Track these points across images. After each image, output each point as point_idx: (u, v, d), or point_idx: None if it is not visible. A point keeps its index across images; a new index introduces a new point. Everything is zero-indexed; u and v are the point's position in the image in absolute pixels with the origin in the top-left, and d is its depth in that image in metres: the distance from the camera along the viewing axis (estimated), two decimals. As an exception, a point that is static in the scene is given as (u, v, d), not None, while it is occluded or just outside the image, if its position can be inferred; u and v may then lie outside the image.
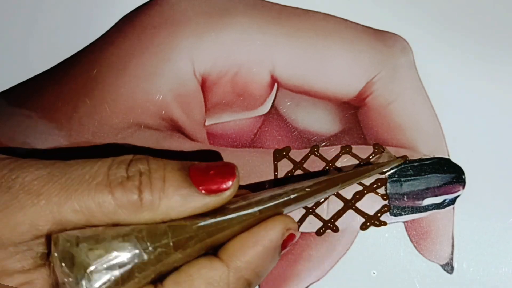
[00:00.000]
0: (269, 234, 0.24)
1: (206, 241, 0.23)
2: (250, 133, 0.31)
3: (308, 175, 0.30)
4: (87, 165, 0.24)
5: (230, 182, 0.24)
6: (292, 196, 0.25)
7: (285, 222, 0.25)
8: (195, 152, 0.30)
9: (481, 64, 0.31)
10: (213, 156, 0.30)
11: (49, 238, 0.23)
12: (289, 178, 0.30)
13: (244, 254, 0.24)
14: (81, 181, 0.23)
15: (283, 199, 0.25)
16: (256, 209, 0.24)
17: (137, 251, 0.22)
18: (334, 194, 0.30)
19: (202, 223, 0.23)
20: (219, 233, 0.24)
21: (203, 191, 0.23)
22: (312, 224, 0.30)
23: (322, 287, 0.30)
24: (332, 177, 0.27)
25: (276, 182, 0.30)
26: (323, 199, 0.30)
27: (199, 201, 0.23)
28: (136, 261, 0.22)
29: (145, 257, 0.22)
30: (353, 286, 0.30)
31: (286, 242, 0.25)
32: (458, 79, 0.31)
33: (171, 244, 0.23)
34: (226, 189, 0.24)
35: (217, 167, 0.24)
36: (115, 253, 0.22)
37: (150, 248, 0.22)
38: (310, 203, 0.26)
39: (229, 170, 0.24)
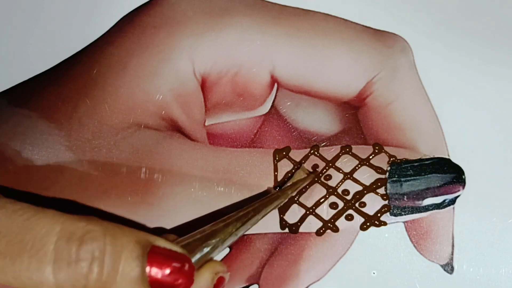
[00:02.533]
0: (199, 282, 0.24)
1: None
2: (250, 133, 0.31)
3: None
4: (32, 227, 0.21)
5: (184, 285, 0.23)
6: (219, 239, 0.25)
7: (214, 267, 0.25)
8: (195, 152, 0.30)
9: (481, 64, 0.31)
10: (212, 157, 0.30)
11: None
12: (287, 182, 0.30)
13: None
14: (22, 249, 0.21)
15: (211, 246, 0.25)
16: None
17: None
18: (334, 195, 0.30)
19: None
20: None
21: (155, 287, 0.22)
22: (312, 224, 0.30)
23: (322, 287, 0.30)
24: (253, 207, 0.26)
25: (276, 183, 0.30)
26: (322, 199, 0.30)
27: None
28: None
29: None
30: (353, 286, 0.30)
31: (217, 286, 0.25)
32: (458, 79, 0.31)
33: None
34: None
35: (177, 261, 0.23)
36: None
37: None
38: (235, 239, 0.26)
39: (188, 275, 0.23)
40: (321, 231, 0.30)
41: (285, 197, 0.28)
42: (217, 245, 0.25)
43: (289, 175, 0.30)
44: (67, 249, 0.21)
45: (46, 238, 0.21)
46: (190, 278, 0.23)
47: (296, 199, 0.30)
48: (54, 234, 0.21)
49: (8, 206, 0.22)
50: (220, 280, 0.25)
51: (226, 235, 0.25)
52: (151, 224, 0.29)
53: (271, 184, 0.30)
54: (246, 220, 0.26)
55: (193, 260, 0.24)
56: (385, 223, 0.30)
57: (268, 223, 0.30)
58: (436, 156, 0.30)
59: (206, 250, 0.25)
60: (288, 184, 0.29)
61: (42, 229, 0.21)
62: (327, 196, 0.30)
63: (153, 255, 0.23)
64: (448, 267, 0.30)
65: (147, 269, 0.22)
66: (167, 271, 0.22)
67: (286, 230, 0.30)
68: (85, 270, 0.21)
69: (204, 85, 0.31)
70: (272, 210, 0.27)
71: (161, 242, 0.23)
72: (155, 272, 0.22)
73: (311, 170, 0.30)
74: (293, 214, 0.30)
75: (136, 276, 0.22)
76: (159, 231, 0.28)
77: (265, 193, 0.30)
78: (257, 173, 0.30)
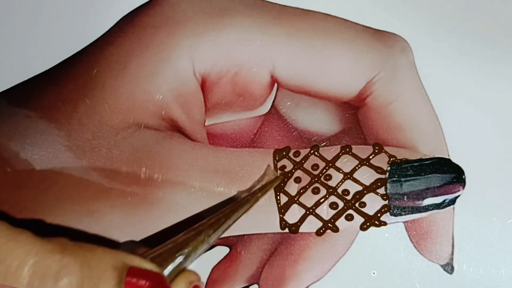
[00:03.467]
0: None
1: None
2: (250, 133, 0.31)
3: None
4: (5, 257, 0.21)
5: None
6: (189, 250, 0.25)
7: (188, 277, 0.25)
8: (195, 152, 0.30)
9: (481, 64, 0.31)
10: (212, 157, 0.30)
11: None
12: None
13: None
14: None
15: (183, 258, 0.25)
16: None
17: None
18: (334, 195, 0.30)
19: None
20: None
21: None
22: (312, 224, 0.30)
23: (322, 287, 0.30)
24: (223, 213, 0.27)
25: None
26: (322, 199, 0.30)
27: None
28: None
29: None
30: (353, 286, 0.30)
31: None
32: (458, 79, 0.31)
33: None
34: None
35: (153, 282, 0.23)
36: None
37: None
38: (207, 247, 0.26)
39: None
40: (321, 231, 0.30)
41: (255, 200, 0.28)
42: (189, 254, 0.25)
43: (259, 178, 0.30)
44: (42, 287, 0.21)
45: (20, 271, 0.21)
46: None
47: (296, 199, 0.30)
48: (28, 269, 0.21)
49: None
50: None
51: (198, 243, 0.25)
52: (151, 224, 0.29)
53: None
54: (217, 227, 0.26)
55: (167, 271, 0.24)
56: (385, 223, 0.30)
57: (268, 223, 0.30)
58: (436, 156, 0.30)
59: (179, 260, 0.25)
60: (258, 187, 0.29)
61: (14, 261, 0.21)
62: (327, 196, 0.30)
63: (130, 280, 0.23)
64: (448, 267, 0.30)
65: None
66: None
67: (286, 230, 0.30)
68: None
69: (204, 85, 0.31)
70: (242, 214, 0.27)
71: (136, 262, 0.23)
72: None
73: (278, 172, 0.30)
74: (293, 214, 0.30)
75: None
76: (130, 244, 0.28)
77: (235, 198, 0.29)
78: (257, 173, 0.30)
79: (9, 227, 0.22)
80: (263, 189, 0.29)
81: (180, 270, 0.25)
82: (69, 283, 0.21)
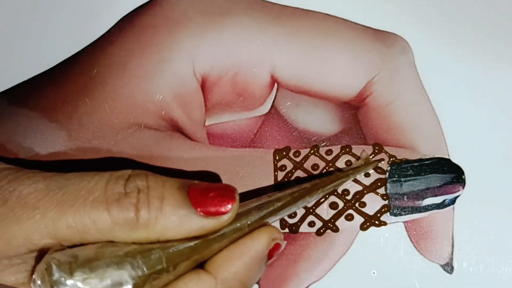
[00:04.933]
0: (255, 245, 0.24)
1: (196, 257, 0.23)
2: (250, 133, 0.31)
3: (301, 180, 0.30)
4: (84, 179, 0.23)
5: (230, 206, 0.23)
6: (277, 205, 0.25)
7: (271, 232, 0.25)
8: (195, 152, 0.30)
9: (481, 64, 0.31)
10: (212, 157, 0.30)
11: (42, 254, 0.22)
12: (287, 182, 0.30)
13: (230, 266, 0.24)
14: (77, 196, 0.23)
15: (269, 209, 0.25)
16: (244, 222, 0.24)
17: (131, 278, 0.22)
18: (334, 195, 0.30)
19: (195, 243, 0.23)
20: (208, 248, 0.24)
21: (201, 213, 0.23)
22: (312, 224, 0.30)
23: (322, 287, 0.30)
24: (314, 183, 0.27)
25: (276, 185, 0.30)
26: (322, 199, 0.30)
27: (196, 223, 0.23)
28: (130, 287, 0.22)
29: (139, 282, 0.22)
30: (353, 286, 0.30)
31: (272, 252, 0.25)
32: (458, 79, 0.31)
33: (165, 267, 0.23)
34: (224, 213, 0.23)
35: (217, 189, 0.24)
36: (109, 281, 0.22)
37: (145, 274, 0.22)
38: (292, 210, 0.26)
39: (229, 193, 0.24)
40: (321, 231, 0.30)
41: (346, 178, 0.29)
42: (274, 210, 0.25)
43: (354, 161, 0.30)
44: (116, 187, 0.23)
45: (99, 184, 0.23)
46: (232, 197, 0.24)
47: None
48: (104, 180, 0.23)
49: (59, 174, 0.24)
50: (276, 247, 0.25)
51: (285, 203, 0.26)
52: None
53: (270, 187, 0.30)
54: (310, 193, 0.27)
55: (249, 220, 0.24)
56: (385, 223, 0.30)
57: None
58: (436, 156, 0.30)
59: (263, 212, 0.25)
60: (352, 167, 0.29)
61: (94, 178, 0.23)
62: (327, 196, 0.30)
63: (194, 187, 0.24)
64: (448, 267, 0.30)
65: (190, 198, 0.23)
66: (210, 195, 0.23)
67: (286, 230, 0.30)
68: (134, 200, 0.23)
69: (204, 85, 0.31)
70: (333, 187, 0.28)
71: (200, 183, 0.24)
72: (198, 198, 0.23)
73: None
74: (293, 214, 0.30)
75: (179, 202, 0.23)
76: None
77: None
78: (257, 173, 0.30)
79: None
80: (356, 170, 0.29)
81: (263, 224, 0.25)
82: (137, 183, 0.23)
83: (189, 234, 0.23)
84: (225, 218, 0.23)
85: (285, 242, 0.26)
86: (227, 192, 0.24)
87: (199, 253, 0.23)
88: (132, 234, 0.23)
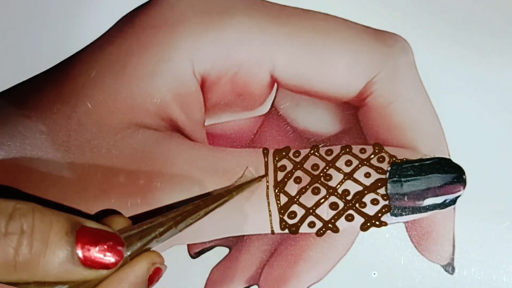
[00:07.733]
0: (134, 271, 0.24)
1: None
2: (250, 133, 0.31)
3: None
4: None
5: (114, 260, 0.23)
6: (159, 231, 0.25)
7: (151, 257, 0.25)
8: (195, 152, 0.30)
9: (481, 63, 0.31)
10: (212, 157, 0.30)
11: None
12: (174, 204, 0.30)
13: None
14: None
15: (150, 237, 0.25)
16: (125, 254, 0.24)
17: None
18: (334, 195, 0.30)
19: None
20: (87, 283, 0.24)
21: (86, 264, 0.23)
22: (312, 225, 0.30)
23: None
24: (196, 204, 0.27)
25: (276, 184, 0.30)
26: (322, 199, 0.30)
27: (78, 274, 0.23)
28: None
29: None
30: (353, 287, 0.30)
31: (153, 276, 0.25)
32: (458, 79, 0.31)
33: None
34: (109, 266, 0.23)
35: (107, 239, 0.23)
36: None
37: None
38: (175, 234, 0.26)
39: (117, 248, 0.23)
40: (321, 231, 0.30)
41: (229, 198, 0.28)
42: (155, 237, 0.25)
43: (237, 179, 0.30)
44: None
45: None
46: (119, 253, 0.23)
47: (296, 199, 0.30)
48: None
49: None
50: (157, 271, 0.25)
51: (166, 228, 0.25)
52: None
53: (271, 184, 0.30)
54: (186, 216, 0.26)
55: (130, 250, 0.24)
56: (385, 224, 0.30)
57: (268, 224, 0.30)
58: (436, 156, 0.30)
59: (145, 240, 0.25)
60: (234, 185, 0.29)
61: None
62: (327, 196, 0.30)
63: (82, 233, 0.23)
64: (449, 268, 0.30)
65: (77, 247, 0.23)
66: (97, 248, 0.23)
67: (286, 230, 0.30)
68: (14, 244, 0.21)
69: (203, 85, 0.30)
70: (214, 208, 0.27)
71: (91, 224, 0.24)
72: (84, 248, 0.23)
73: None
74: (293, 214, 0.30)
75: (65, 251, 0.22)
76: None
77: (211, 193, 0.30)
78: (257, 173, 0.30)
79: None
80: (239, 188, 0.29)
81: (144, 250, 0.25)
82: (21, 223, 0.22)
83: (70, 281, 0.23)
84: (108, 272, 0.23)
85: (166, 266, 0.26)
86: (115, 246, 0.23)
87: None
88: (11, 276, 0.22)
